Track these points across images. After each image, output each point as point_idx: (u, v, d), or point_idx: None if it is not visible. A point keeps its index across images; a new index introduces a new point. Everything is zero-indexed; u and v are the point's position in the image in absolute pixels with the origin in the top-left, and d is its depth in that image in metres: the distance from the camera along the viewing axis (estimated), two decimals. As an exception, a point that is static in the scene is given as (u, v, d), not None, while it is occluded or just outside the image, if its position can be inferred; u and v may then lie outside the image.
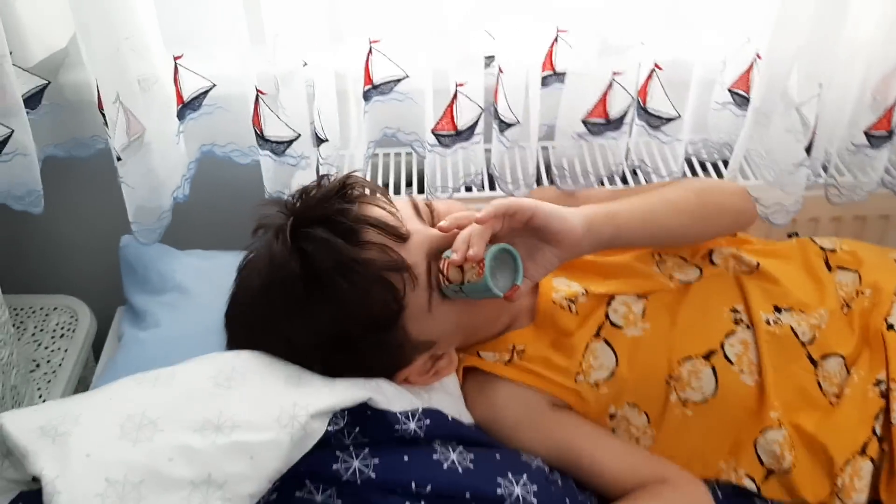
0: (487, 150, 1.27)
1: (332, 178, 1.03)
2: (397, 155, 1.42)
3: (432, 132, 1.15)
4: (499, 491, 0.90)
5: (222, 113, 1.23)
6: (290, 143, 1.16)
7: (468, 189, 1.30)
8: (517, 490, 0.91)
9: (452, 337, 1.05)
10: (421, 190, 1.29)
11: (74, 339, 1.37)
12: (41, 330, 1.40)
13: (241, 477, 0.81)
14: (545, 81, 1.19)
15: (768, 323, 1.08)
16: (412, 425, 0.94)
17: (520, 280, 0.92)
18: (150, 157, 1.17)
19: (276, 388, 0.90)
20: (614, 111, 1.17)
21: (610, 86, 1.14)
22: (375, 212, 0.97)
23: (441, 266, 0.94)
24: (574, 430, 1.05)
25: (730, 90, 1.24)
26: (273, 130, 1.14)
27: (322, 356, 0.95)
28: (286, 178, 1.19)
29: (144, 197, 1.16)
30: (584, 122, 1.19)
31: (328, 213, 0.97)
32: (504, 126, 1.17)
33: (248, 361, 0.94)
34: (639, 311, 1.11)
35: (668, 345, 1.08)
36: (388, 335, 0.96)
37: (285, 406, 0.87)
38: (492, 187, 1.31)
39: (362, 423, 0.92)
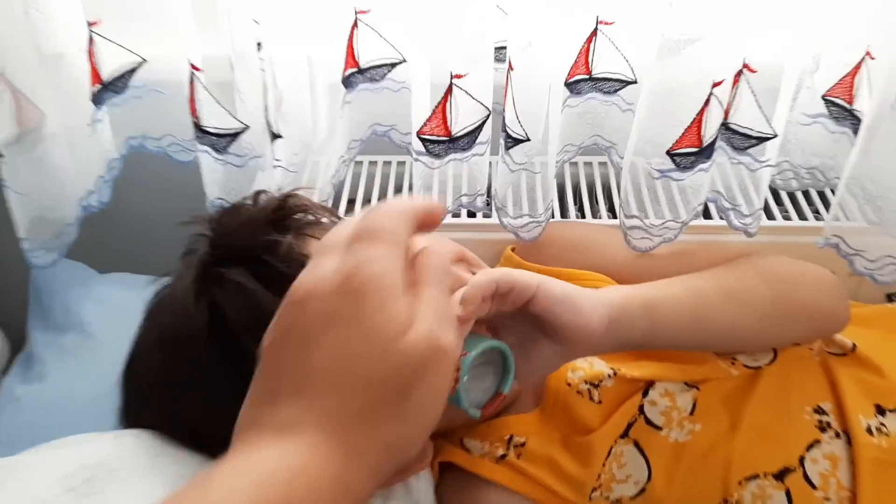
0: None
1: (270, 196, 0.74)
2: (400, 164, 1.12)
3: (418, 136, 0.85)
4: None
5: (157, 98, 0.95)
6: (234, 136, 0.86)
7: (471, 214, 0.99)
8: None
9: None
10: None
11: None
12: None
13: None
14: (575, 87, 0.88)
15: (870, 432, 0.78)
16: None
17: (506, 388, 0.64)
18: (52, 154, 0.88)
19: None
20: (708, 134, 0.84)
21: (707, 101, 0.82)
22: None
23: None
24: None
25: (824, 98, 0.91)
26: (213, 119, 0.85)
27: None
28: (238, 184, 0.90)
29: (42, 205, 0.88)
30: (671, 154, 0.86)
31: (251, 246, 0.70)
32: (511, 142, 0.86)
33: (127, 453, 0.70)
34: (686, 405, 0.81)
35: (725, 456, 0.79)
36: None
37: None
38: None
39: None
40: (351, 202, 1.05)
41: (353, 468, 0.38)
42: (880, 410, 0.80)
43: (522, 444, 0.81)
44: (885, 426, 0.79)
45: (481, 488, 0.81)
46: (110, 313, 0.93)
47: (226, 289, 0.68)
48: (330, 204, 0.95)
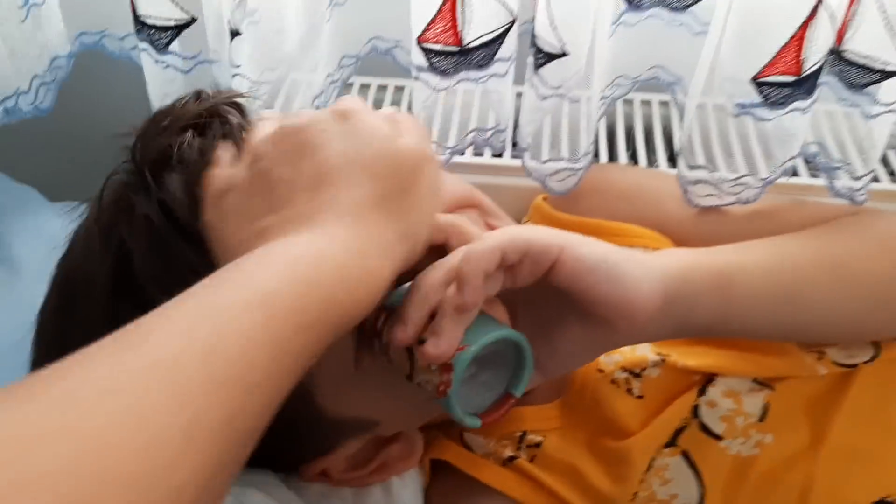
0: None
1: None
2: (398, 90, 0.93)
3: (419, 43, 0.65)
4: None
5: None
6: (177, 30, 0.68)
7: (478, 153, 0.80)
8: None
9: (408, 414, 0.60)
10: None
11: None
12: None
13: None
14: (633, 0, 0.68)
15: None
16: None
17: (519, 391, 0.48)
18: None
19: None
20: (812, 59, 0.64)
21: (814, 13, 0.61)
22: None
23: (378, 325, 0.48)
24: None
25: None
26: (151, 6, 0.66)
27: None
28: (185, 89, 0.71)
29: None
30: (759, 83, 0.65)
31: (164, 159, 0.52)
32: (543, 58, 0.66)
33: None
34: (755, 409, 0.62)
35: (803, 479, 0.61)
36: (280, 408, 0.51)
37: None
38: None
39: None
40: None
41: (373, 252, 0.41)
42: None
43: (538, 445, 0.64)
44: None
45: (481, 496, 0.64)
46: (45, 250, 0.76)
47: (135, 226, 0.51)
48: None
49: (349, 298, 0.38)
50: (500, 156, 0.82)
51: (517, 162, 0.79)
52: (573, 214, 0.73)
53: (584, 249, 0.46)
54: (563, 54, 0.64)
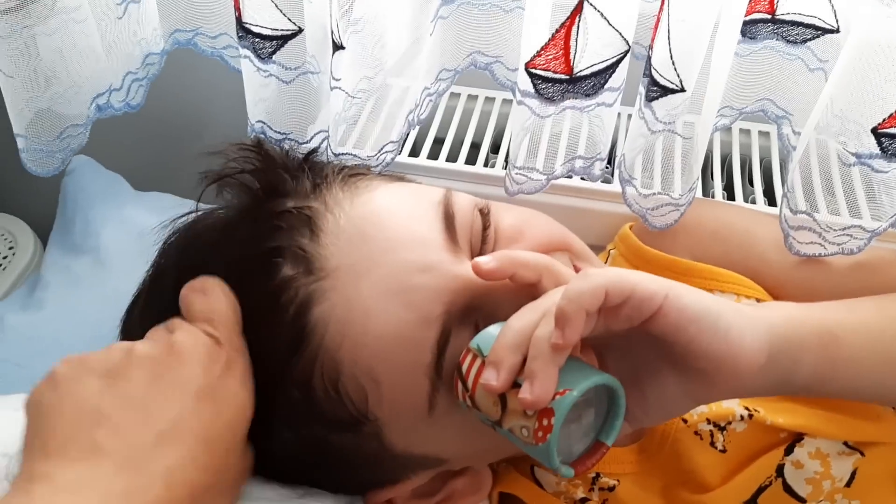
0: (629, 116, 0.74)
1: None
2: (506, 102, 0.91)
3: (527, 69, 0.63)
4: None
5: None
6: (282, 41, 0.67)
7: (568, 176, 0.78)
8: None
9: (480, 454, 0.59)
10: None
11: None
12: (-35, 258, 1.02)
13: None
14: (750, 29, 0.65)
15: None
16: None
17: (611, 440, 0.46)
18: (64, 34, 0.69)
19: None
20: None
21: None
22: None
23: (462, 368, 0.47)
24: None
25: None
26: (258, 14, 0.65)
27: None
28: (286, 105, 0.70)
29: (44, 96, 0.70)
30: (878, 133, 0.61)
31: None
32: (657, 91, 0.63)
33: None
34: (843, 474, 0.60)
35: None
36: (346, 440, 0.52)
37: None
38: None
39: None
40: (438, 142, 0.86)
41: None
42: None
43: (611, 489, 0.62)
44: None
45: None
46: (133, 241, 0.78)
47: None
48: (400, 145, 0.75)
49: None
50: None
51: (606, 186, 0.77)
52: (661, 250, 0.71)
53: (689, 298, 0.44)
54: (682, 90, 0.61)
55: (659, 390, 0.47)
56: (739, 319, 0.46)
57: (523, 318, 0.44)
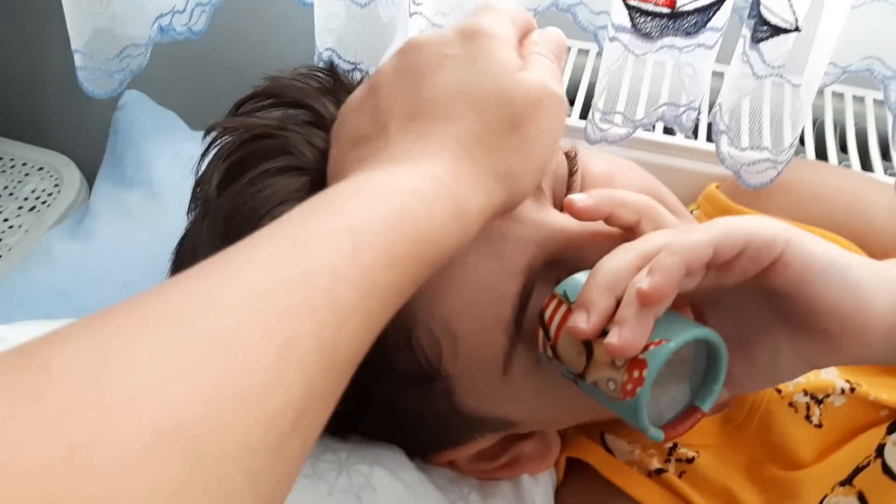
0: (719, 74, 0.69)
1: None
2: (582, 53, 0.86)
3: (625, 1, 0.58)
4: None
5: None
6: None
7: (668, 131, 0.73)
8: None
9: (555, 420, 0.55)
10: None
11: (43, 217, 0.95)
12: (11, 194, 0.99)
13: None
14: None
15: None
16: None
17: (708, 404, 0.42)
18: None
19: None
20: None
21: None
22: None
23: (545, 315, 0.42)
24: None
25: None
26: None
27: None
28: (358, 33, 0.66)
29: (104, 13, 0.66)
30: None
31: None
32: (765, 31, 0.58)
33: None
34: (953, 457, 0.55)
35: None
36: (416, 397, 0.48)
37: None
38: (708, 138, 0.73)
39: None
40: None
41: (468, 191, 0.38)
42: None
43: (690, 461, 0.57)
44: None
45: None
46: (184, 176, 0.74)
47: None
48: None
49: (441, 235, 0.35)
50: (670, 132, 0.75)
51: (695, 143, 0.72)
52: (752, 209, 0.66)
53: (814, 248, 0.39)
54: (797, 29, 0.56)
55: (769, 353, 0.42)
56: (871, 274, 0.41)
57: (619, 259, 0.40)
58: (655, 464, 0.58)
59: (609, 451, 0.60)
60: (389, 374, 0.46)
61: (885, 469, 0.55)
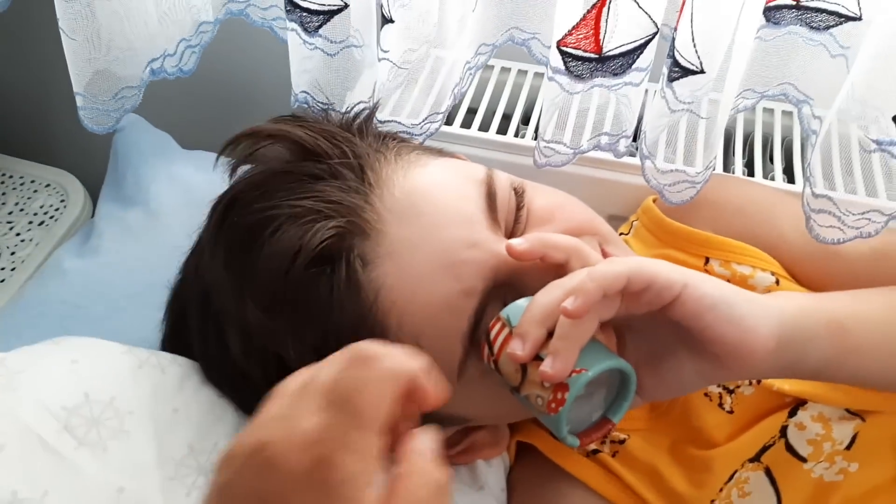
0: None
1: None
2: (538, 76, 0.94)
3: (558, 47, 0.67)
4: None
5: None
6: (329, 15, 0.71)
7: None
8: None
9: (500, 417, 0.65)
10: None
11: (51, 231, 1.04)
12: (21, 209, 1.07)
13: None
14: (774, 14, 0.68)
15: None
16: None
17: (617, 418, 0.50)
18: (120, 1, 0.74)
19: (156, 483, 0.54)
20: None
21: None
22: None
23: (491, 334, 0.51)
24: None
25: None
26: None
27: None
28: (330, 77, 0.75)
29: (101, 57, 0.74)
30: None
31: None
32: (679, 72, 0.67)
33: (146, 394, 0.58)
34: (843, 437, 0.64)
35: None
36: None
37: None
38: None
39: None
40: (472, 112, 0.89)
41: None
42: None
43: (621, 442, 0.67)
44: None
45: (562, 483, 0.67)
46: (182, 194, 0.82)
47: None
48: (443, 116, 0.79)
49: None
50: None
51: (631, 160, 0.80)
52: (683, 223, 0.75)
53: (705, 288, 0.48)
54: (701, 71, 0.65)
55: (674, 370, 0.51)
56: (753, 308, 0.49)
57: (550, 295, 0.48)
58: (592, 445, 0.67)
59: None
60: None
61: (788, 447, 0.64)
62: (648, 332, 0.51)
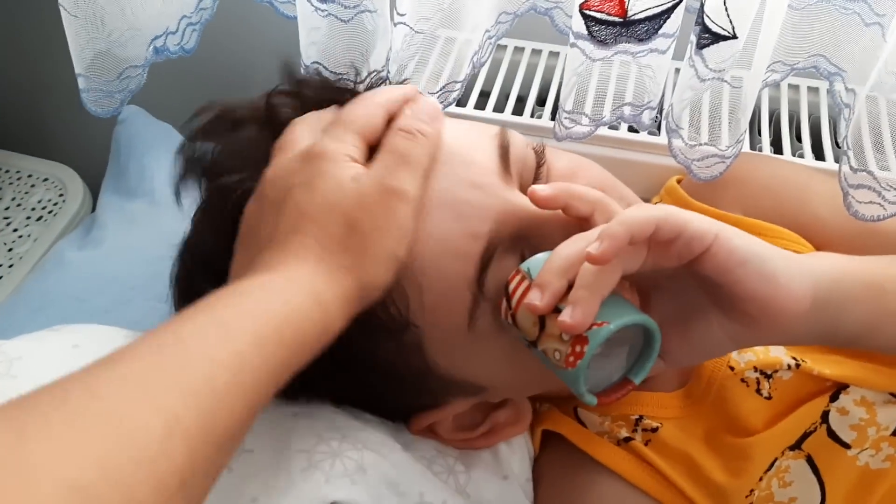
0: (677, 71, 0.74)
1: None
2: (553, 55, 0.92)
3: (581, 10, 0.64)
4: None
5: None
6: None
7: (633, 129, 0.78)
8: None
9: (518, 383, 0.60)
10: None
11: (50, 226, 1.01)
12: (19, 205, 1.04)
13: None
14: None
15: None
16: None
17: (639, 378, 0.48)
18: None
19: None
20: None
21: None
22: None
23: (510, 287, 0.48)
24: None
25: None
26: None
27: None
28: (342, 45, 0.72)
29: (103, 37, 0.72)
30: None
31: None
32: (708, 38, 0.64)
33: None
34: (889, 422, 0.61)
35: None
36: (390, 351, 0.53)
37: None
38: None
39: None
40: (485, 95, 0.86)
41: (320, 284, 0.44)
42: None
43: (654, 430, 0.63)
44: None
45: (592, 472, 0.63)
46: (185, 185, 0.79)
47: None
48: (462, 86, 0.76)
49: (303, 321, 0.42)
50: (635, 130, 0.80)
51: (654, 139, 0.77)
52: (709, 204, 0.71)
53: (738, 241, 0.45)
54: (734, 36, 0.61)
55: (702, 331, 0.48)
56: (787, 265, 0.46)
57: (572, 246, 0.46)
58: (624, 433, 0.64)
59: (581, 422, 0.65)
60: (365, 327, 0.49)
61: (830, 433, 0.61)
62: (675, 290, 0.48)
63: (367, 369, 0.55)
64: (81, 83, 0.73)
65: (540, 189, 0.50)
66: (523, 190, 0.53)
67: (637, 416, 0.64)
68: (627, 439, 0.64)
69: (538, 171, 0.55)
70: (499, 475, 0.63)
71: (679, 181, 0.75)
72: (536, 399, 0.67)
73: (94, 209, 0.87)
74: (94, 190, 1.03)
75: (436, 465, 0.60)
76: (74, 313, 0.69)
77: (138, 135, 0.87)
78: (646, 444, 0.63)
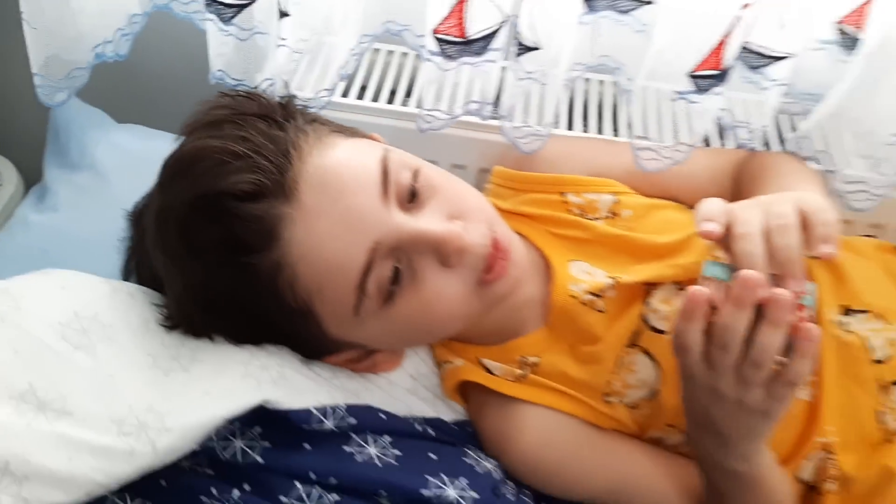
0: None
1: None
2: (418, 58, 1.11)
3: (433, 34, 0.85)
4: (424, 491, 0.71)
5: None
6: (241, 7, 0.86)
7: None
8: (451, 492, 0.72)
9: (390, 346, 0.80)
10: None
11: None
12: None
13: (49, 479, 0.61)
14: (591, 3, 0.87)
15: (838, 326, 0.81)
16: (329, 423, 0.72)
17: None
18: None
19: (138, 369, 0.69)
20: (729, 56, 0.86)
21: (734, 23, 0.83)
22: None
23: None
24: (628, 459, 0.82)
25: (838, 24, 0.90)
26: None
27: (205, 318, 0.73)
28: (241, 59, 0.90)
29: (56, 45, 0.90)
30: (693, 77, 0.87)
31: None
32: (522, 49, 0.87)
33: (121, 311, 0.72)
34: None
35: None
36: (300, 321, 0.72)
37: (136, 407, 0.65)
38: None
39: (261, 423, 0.71)
40: (363, 88, 1.06)
41: None
42: (847, 311, 0.82)
43: (536, 364, 0.82)
44: (851, 324, 0.81)
45: (517, 408, 0.81)
46: (124, 159, 0.98)
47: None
48: (332, 92, 0.95)
49: None
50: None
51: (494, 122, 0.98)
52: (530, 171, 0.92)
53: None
54: (536, 48, 0.85)
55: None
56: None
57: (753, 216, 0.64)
58: (518, 371, 0.82)
59: (488, 370, 0.83)
60: (281, 306, 0.69)
61: (651, 328, 0.81)
62: None
63: (288, 334, 0.73)
64: (37, 81, 0.91)
65: (714, 228, 0.64)
66: (401, 205, 0.70)
67: (520, 357, 0.82)
68: (522, 375, 0.82)
69: (415, 183, 0.71)
70: (389, 389, 0.82)
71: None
72: (451, 356, 0.84)
73: (25, 193, 1.00)
74: (28, 177, 1.17)
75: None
76: (41, 263, 0.77)
77: (76, 117, 1.01)
78: (535, 374, 0.81)
